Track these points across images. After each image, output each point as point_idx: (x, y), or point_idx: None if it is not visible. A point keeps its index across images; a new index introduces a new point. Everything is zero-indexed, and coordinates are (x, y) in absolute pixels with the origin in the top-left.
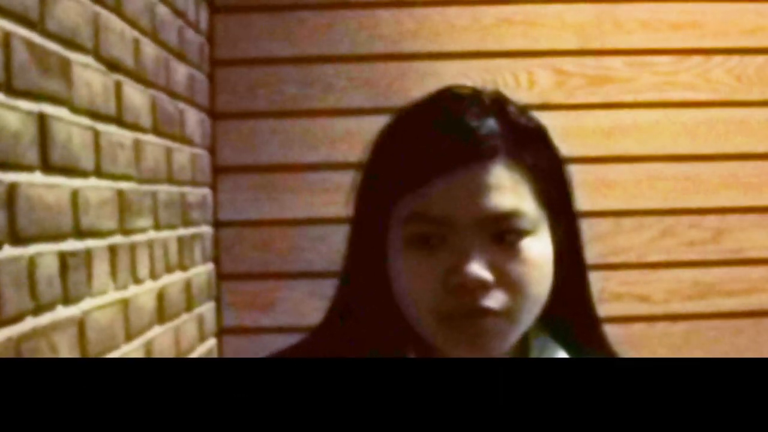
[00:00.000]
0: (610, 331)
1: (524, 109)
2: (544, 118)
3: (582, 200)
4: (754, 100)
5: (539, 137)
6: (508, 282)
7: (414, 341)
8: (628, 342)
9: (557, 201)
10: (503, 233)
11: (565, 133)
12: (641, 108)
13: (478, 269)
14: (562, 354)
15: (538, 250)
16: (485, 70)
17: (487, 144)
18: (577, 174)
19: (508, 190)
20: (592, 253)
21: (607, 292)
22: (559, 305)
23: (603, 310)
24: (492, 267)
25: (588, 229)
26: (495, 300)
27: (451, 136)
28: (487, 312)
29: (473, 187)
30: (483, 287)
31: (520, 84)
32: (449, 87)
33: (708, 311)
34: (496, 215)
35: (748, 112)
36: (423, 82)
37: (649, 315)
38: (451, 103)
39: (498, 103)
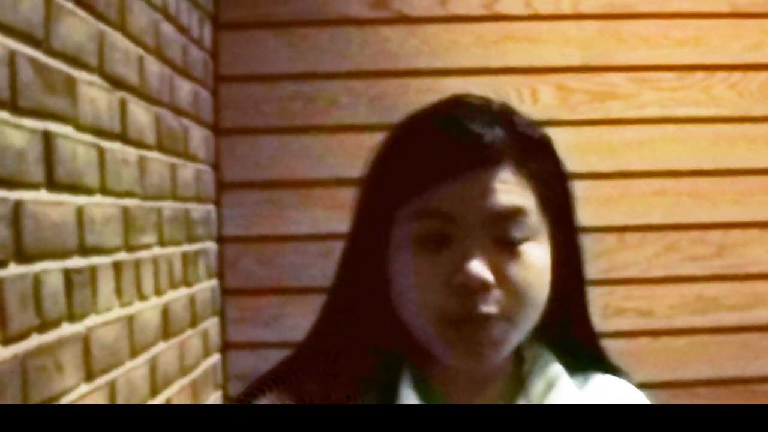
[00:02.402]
0: (614, 346)
1: (531, 120)
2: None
3: (586, 216)
4: (756, 115)
5: (545, 147)
6: (508, 284)
7: (409, 346)
8: (631, 356)
9: (559, 210)
10: (507, 235)
11: (569, 149)
12: (644, 124)
13: (480, 269)
14: (555, 365)
15: (538, 255)
16: (489, 86)
17: (494, 150)
18: (580, 190)
19: (513, 192)
20: (595, 269)
21: (611, 307)
22: (555, 315)
23: (607, 324)
24: (494, 268)
25: (592, 244)
26: (495, 303)
27: (460, 141)
28: (489, 318)
29: (480, 188)
30: (484, 288)
31: (524, 100)
32: (458, 95)
33: (711, 326)
34: (502, 213)
35: (751, 127)
36: (427, 98)
37: (653, 329)
38: (460, 110)
39: (505, 113)
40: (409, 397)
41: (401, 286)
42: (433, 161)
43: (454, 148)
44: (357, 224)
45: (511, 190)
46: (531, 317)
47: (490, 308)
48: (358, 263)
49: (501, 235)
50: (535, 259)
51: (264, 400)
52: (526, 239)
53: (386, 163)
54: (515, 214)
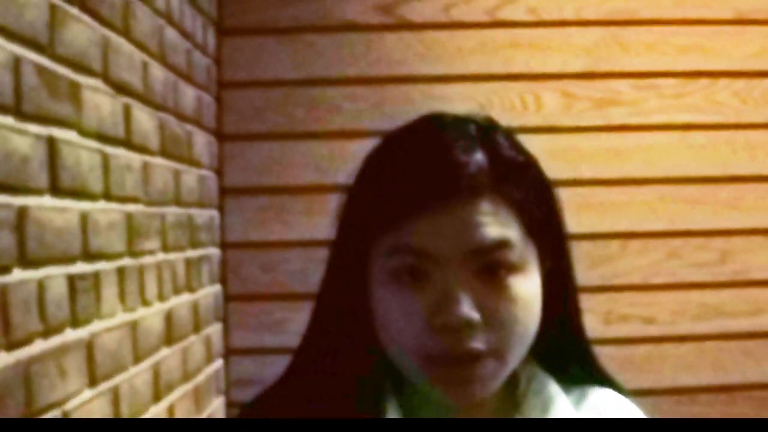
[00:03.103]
0: (617, 352)
1: (513, 137)
2: (551, 140)
3: (588, 222)
4: (759, 122)
5: (529, 171)
6: (495, 321)
7: (394, 379)
8: (634, 364)
9: (547, 235)
10: (490, 267)
11: (572, 156)
12: (647, 130)
13: (465, 309)
14: (551, 383)
15: (526, 288)
16: (492, 92)
17: (473, 182)
18: (583, 196)
19: (494, 223)
20: (598, 275)
21: (614, 314)
22: (549, 334)
23: (609, 331)
24: (479, 305)
25: (594, 251)
26: (482, 341)
27: (436, 171)
28: (475, 357)
29: (458, 222)
30: (469, 327)
31: (527, 107)
32: (435, 114)
33: (714, 333)
34: (482, 247)
35: (754, 134)
36: (430, 104)
37: (656, 336)
38: (437, 135)
39: (486, 134)
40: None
41: (382, 321)
42: (406, 194)
43: (428, 180)
44: (336, 257)
45: (492, 222)
46: (520, 352)
47: (477, 345)
48: (340, 297)
49: (483, 269)
50: (522, 291)
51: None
52: (512, 271)
53: (359, 194)
54: (498, 246)
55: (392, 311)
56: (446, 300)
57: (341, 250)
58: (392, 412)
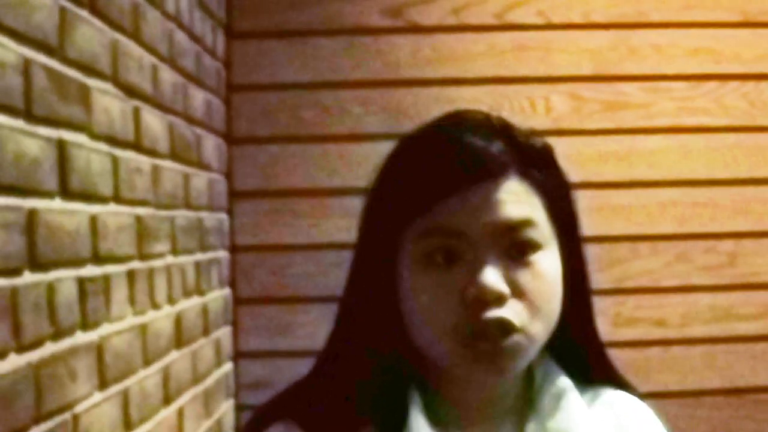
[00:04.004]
0: (626, 356)
1: (530, 131)
2: (560, 143)
3: (598, 225)
4: None
5: (547, 157)
6: (523, 296)
7: (419, 366)
8: (643, 366)
9: (567, 221)
10: (517, 246)
11: (581, 159)
12: (656, 133)
13: (495, 281)
14: (564, 379)
15: (550, 264)
16: (501, 95)
17: (497, 162)
18: (592, 199)
19: (521, 202)
20: (608, 278)
21: (623, 317)
22: (562, 328)
23: (619, 334)
24: (508, 280)
25: (604, 254)
26: (512, 314)
27: (461, 156)
28: (506, 330)
29: (485, 202)
30: (500, 299)
31: (536, 110)
32: (455, 110)
33: (724, 335)
34: (509, 225)
35: (763, 137)
36: (439, 107)
37: (665, 339)
38: (459, 125)
39: (505, 126)
40: (418, 420)
41: (413, 306)
42: (435, 178)
43: (455, 163)
44: (364, 248)
45: (518, 200)
46: (546, 329)
47: (508, 314)
48: (369, 287)
49: (511, 247)
50: (548, 268)
51: (272, 430)
52: (537, 249)
53: (388, 184)
54: (525, 224)
55: (426, 291)
56: (478, 274)
57: (370, 241)
58: (417, 416)
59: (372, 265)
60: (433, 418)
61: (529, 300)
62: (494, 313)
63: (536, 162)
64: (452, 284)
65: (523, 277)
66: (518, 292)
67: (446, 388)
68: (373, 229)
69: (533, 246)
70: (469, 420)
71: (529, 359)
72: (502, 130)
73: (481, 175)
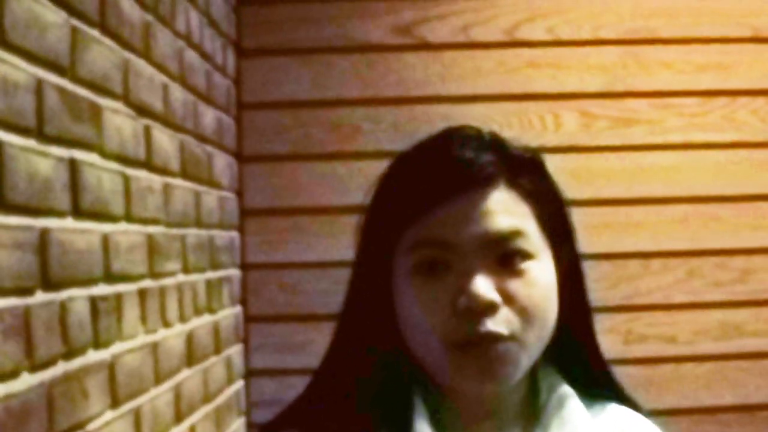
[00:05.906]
0: (637, 372)
1: (521, 144)
2: (570, 160)
3: (608, 242)
4: None
5: (537, 167)
6: (515, 304)
7: (420, 376)
8: (654, 383)
9: (558, 230)
10: (507, 255)
11: (591, 175)
12: (667, 150)
13: (485, 290)
14: (570, 393)
15: (543, 274)
16: (511, 112)
17: (485, 172)
18: (603, 216)
19: (509, 212)
20: (618, 295)
21: (634, 333)
22: (564, 342)
23: (630, 351)
24: (498, 289)
25: (614, 270)
26: (503, 323)
27: (449, 166)
28: (498, 338)
29: (474, 212)
30: (491, 308)
31: (546, 126)
32: (449, 126)
33: (735, 352)
34: (498, 235)
35: None
36: (450, 124)
37: (676, 356)
38: (450, 139)
39: (495, 139)
40: (422, 427)
41: (406, 315)
42: (422, 189)
43: (442, 174)
44: (361, 260)
45: (507, 210)
46: (540, 337)
47: (498, 327)
48: (366, 299)
49: (502, 257)
50: (540, 276)
51: None
52: (528, 259)
53: (379, 198)
54: (514, 235)
55: (418, 302)
56: (468, 284)
57: (366, 255)
58: (421, 424)
59: (368, 279)
60: (436, 423)
61: (520, 307)
62: (486, 325)
63: (526, 172)
64: (442, 293)
65: (514, 285)
66: (510, 300)
67: (447, 403)
68: (367, 242)
69: (524, 256)
70: (472, 427)
71: (524, 367)
72: (491, 142)
73: (468, 185)
